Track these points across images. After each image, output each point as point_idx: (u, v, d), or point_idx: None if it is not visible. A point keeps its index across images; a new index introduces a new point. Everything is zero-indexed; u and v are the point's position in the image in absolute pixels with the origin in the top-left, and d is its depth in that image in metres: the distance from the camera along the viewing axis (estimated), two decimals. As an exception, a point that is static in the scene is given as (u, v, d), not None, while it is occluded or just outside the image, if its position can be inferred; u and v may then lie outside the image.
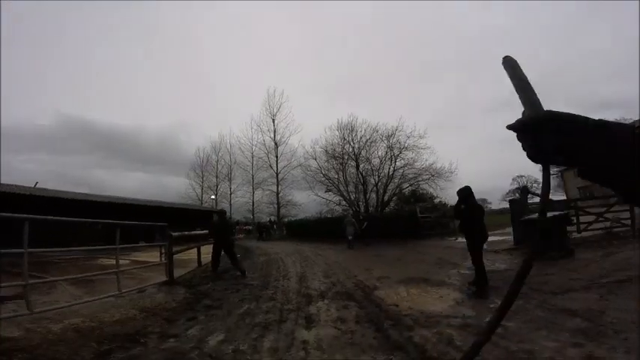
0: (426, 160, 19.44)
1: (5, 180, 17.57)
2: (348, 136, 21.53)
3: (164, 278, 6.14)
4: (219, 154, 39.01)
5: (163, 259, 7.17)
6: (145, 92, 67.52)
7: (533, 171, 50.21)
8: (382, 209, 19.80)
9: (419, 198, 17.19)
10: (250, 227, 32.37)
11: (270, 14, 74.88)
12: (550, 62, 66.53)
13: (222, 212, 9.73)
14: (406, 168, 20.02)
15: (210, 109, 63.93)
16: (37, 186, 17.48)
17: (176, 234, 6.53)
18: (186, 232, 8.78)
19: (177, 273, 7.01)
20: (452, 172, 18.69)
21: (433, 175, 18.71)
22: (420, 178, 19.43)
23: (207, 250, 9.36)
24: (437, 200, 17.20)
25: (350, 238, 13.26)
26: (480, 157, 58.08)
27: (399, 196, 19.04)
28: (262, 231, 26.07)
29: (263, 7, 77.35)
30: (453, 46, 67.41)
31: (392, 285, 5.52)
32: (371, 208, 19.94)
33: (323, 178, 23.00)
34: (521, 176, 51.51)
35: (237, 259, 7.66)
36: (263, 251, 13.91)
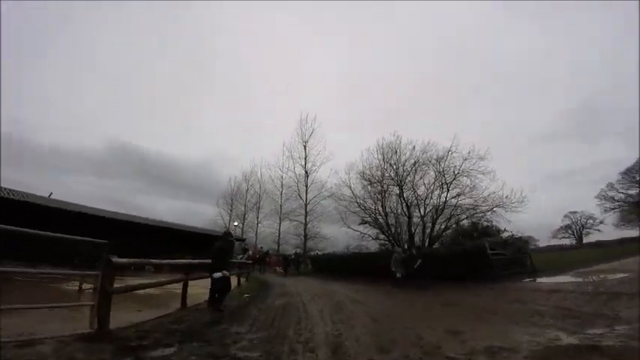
0: (486, 188, 15.87)
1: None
2: (391, 158, 18.66)
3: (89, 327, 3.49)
4: (250, 183, 38.25)
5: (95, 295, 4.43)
6: (191, 121, 71.08)
7: (587, 206, 43.85)
8: (430, 245, 16.13)
9: (483, 232, 13.57)
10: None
11: (310, 41, 77.63)
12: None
13: (226, 234, 7.17)
14: (461, 197, 16.52)
15: (248, 138, 65.17)
16: (51, 196, 16.47)
17: (123, 260, 3.88)
18: (154, 260, 6.12)
19: (137, 317, 4.38)
20: (521, 202, 14.90)
21: (498, 206, 15.01)
22: (479, 210, 15.77)
23: (202, 285, 6.76)
24: (506, 234, 13.44)
25: (398, 276, 10.31)
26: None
27: (457, 230, 15.38)
28: (288, 264, 23.16)
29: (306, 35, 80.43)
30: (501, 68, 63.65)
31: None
32: (417, 243, 16.36)
33: (358, 209, 19.92)
34: (575, 212, 45.26)
35: (225, 295, 6.41)
36: (281, 290, 10.92)
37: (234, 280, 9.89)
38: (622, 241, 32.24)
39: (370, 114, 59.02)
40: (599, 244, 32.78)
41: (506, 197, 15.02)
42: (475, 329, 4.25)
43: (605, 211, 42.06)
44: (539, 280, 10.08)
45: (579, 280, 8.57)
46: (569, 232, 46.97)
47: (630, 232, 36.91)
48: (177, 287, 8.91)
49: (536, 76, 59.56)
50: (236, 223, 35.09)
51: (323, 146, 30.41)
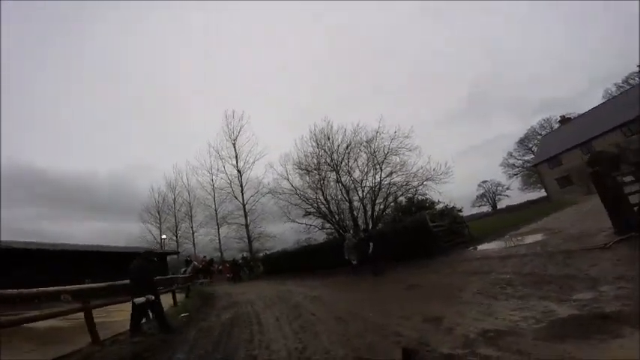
0: (414, 164, 16.87)
1: None
2: (324, 144, 18.46)
3: None
4: (176, 192, 34.72)
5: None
6: (94, 133, 61.12)
7: (496, 175, 51.59)
8: (374, 226, 16.57)
9: (420, 206, 14.32)
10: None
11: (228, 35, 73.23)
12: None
13: (146, 253, 6.35)
14: (394, 176, 17.28)
15: (167, 147, 58.86)
16: None
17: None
18: (51, 288, 4.65)
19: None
20: (446, 174, 16.21)
21: (428, 179, 16.08)
22: (411, 185, 16.72)
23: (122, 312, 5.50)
24: (440, 205, 14.42)
25: (354, 262, 10.16)
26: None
27: (396, 207, 15.98)
28: (237, 271, 21.62)
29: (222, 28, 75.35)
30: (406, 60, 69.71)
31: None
32: (362, 226, 16.64)
33: (299, 200, 19.40)
34: (486, 181, 52.67)
35: (164, 317, 5.76)
36: (229, 300, 9.83)
37: (168, 299, 8.51)
38: (530, 203, 37.72)
39: (298, 106, 58.80)
40: (509, 209, 36.88)
41: (434, 170, 16.18)
42: (454, 312, 3.97)
43: (510, 177, 49.91)
44: (481, 247, 10.57)
45: (521, 242, 8.80)
46: (485, 199, 53.42)
47: (534, 195, 44.20)
48: (103, 315, 7.33)
49: (430, 69, 67.31)
50: (164, 236, 31.64)
51: (254, 142, 29.05)
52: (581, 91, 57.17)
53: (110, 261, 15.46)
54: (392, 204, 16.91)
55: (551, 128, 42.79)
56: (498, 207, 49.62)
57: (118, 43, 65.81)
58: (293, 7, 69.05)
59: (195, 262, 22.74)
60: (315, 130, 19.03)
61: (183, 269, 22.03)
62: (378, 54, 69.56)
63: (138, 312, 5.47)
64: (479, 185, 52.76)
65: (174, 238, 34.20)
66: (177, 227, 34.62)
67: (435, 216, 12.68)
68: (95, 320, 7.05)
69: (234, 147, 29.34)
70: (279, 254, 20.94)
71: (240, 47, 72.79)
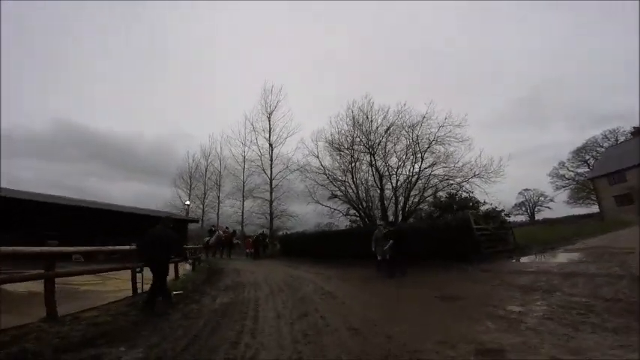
0: (461, 157, 14.68)
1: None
2: (362, 124, 16.71)
3: None
4: (209, 160, 34.84)
5: None
6: (144, 98, 63.88)
7: (538, 185, 46.62)
8: (405, 219, 14.85)
9: (462, 204, 12.34)
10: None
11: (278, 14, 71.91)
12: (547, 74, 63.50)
13: (166, 220, 5.68)
14: (435, 167, 15.24)
15: (209, 116, 59.91)
16: None
17: None
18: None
19: None
20: (497, 172, 13.90)
21: (476, 175, 13.91)
22: (454, 180, 14.61)
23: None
24: (485, 207, 12.34)
25: (379, 258, 8.59)
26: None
27: (435, 203, 14.07)
28: (258, 246, 20.23)
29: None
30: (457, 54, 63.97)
31: None
32: (391, 218, 15.02)
33: (327, 181, 18.07)
34: (528, 190, 47.97)
35: (155, 292, 5.08)
36: (234, 280, 8.86)
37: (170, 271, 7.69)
38: (578, 218, 33.93)
39: (341, 81, 56.45)
40: (549, 222, 34.11)
41: (484, 166, 13.95)
42: (520, 344, 2.62)
43: (557, 188, 44.87)
44: (529, 259, 8.89)
45: (584, 259, 7.22)
46: (523, 208, 49.16)
47: (580, 210, 39.78)
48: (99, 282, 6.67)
49: (488, 65, 60.83)
50: (188, 202, 31.96)
51: (290, 118, 27.87)
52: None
53: (128, 222, 15.33)
54: (429, 198, 14.98)
55: (617, 141, 37.52)
56: (536, 218, 46.06)
57: (169, 17, 66.94)
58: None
59: (221, 232, 22.25)
60: (353, 106, 17.30)
61: (207, 238, 21.79)
62: (429, 47, 64.46)
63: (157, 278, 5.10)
64: (519, 193, 48.23)
65: (201, 206, 34.68)
66: (205, 196, 34.97)
67: (479, 217, 10.76)
68: (84, 288, 6.47)
69: (269, 121, 28.41)
70: (298, 235, 19.91)
71: (291, 24, 70.95)
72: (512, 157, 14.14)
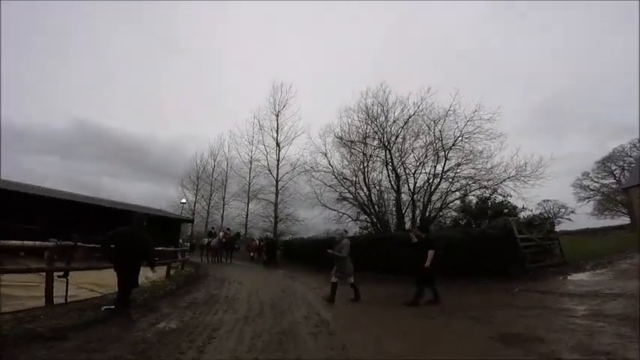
0: (492, 155, 12.50)
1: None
2: (377, 117, 14.74)
3: None
4: (216, 160, 33.75)
5: None
6: (158, 100, 64.33)
7: (560, 196, 43.25)
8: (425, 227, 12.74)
9: (497, 210, 10.18)
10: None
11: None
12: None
13: (138, 219, 4.85)
14: (461, 168, 13.10)
15: (221, 115, 59.48)
16: None
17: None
18: None
19: None
20: (537, 176, 11.63)
21: (512, 177, 11.71)
22: (483, 183, 12.43)
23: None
24: (524, 213, 10.10)
25: (334, 281, 6.26)
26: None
27: (464, 208, 11.87)
28: (269, 250, 17.01)
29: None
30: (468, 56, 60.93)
31: None
32: (408, 225, 12.95)
33: (335, 181, 16.16)
34: (548, 200, 44.49)
35: (129, 293, 4.44)
36: (212, 290, 7.02)
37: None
38: (609, 229, 31.06)
39: (354, 79, 54.57)
40: (567, 233, 31.57)
41: (522, 166, 11.73)
42: None
43: (580, 199, 41.54)
44: (582, 276, 6.89)
45: None
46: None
47: (603, 222, 36.58)
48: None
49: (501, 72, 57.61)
50: (184, 200, 30.92)
51: (298, 117, 26.27)
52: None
53: (118, 217, 13.88)
54: (455, 202, 12.83)
55: None
56: (556, 229, 42.39)
57: (181, 17, 67.43)
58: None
59: (222, 234, 20.59)
60: (366, 96, 15.32)
61: (207, 239, 20.23)
62: (442, 50, 61.88)
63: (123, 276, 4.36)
64: (538, 204, 44.75)
65: (207, 207, 33.51)
66: (211, 196, 33.80)
67: (520, 225, 8.63)
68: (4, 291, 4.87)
69: (277, 119, 26.90)
70: (303, 242, 17.97)
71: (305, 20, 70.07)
72: (555, 158, 11.83)
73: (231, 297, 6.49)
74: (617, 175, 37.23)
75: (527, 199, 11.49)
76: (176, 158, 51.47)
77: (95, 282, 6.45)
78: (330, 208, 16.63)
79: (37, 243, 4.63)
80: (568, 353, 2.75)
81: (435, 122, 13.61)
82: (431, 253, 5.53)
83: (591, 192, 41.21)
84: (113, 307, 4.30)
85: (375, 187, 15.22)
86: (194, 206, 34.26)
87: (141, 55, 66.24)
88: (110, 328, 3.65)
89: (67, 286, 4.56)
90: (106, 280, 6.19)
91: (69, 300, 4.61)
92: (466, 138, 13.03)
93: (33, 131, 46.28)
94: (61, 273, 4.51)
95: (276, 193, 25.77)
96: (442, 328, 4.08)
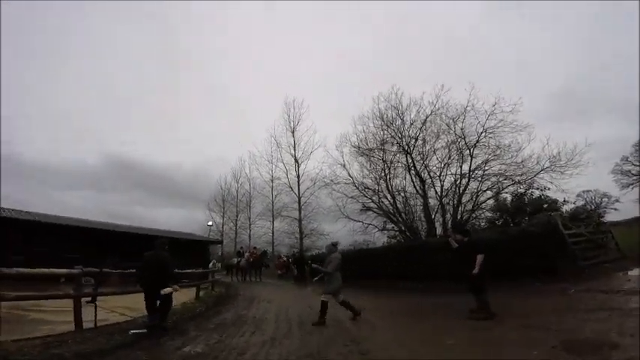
0: (522, 148, 11.74)
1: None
2: (393, 122, 14.41)
3: None
4: (239, 182, 34.64)
5: None
6: (184, 128, 67.78)
7: (600, 185, 39.69)
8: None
9: (536, 205, 9.42)
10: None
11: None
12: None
13: (160, 243, 5.32)
14: (488, 165, 12.39)
15: (237, 140, 61.35)
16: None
17: None
18: None
19: None
20: (575, 164, 10.71)
21: (546, 169, 10.88)
22: (514, 179, 11.63)
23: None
24: (567, 207, 9.26)
25: (324, 299, 5.47)
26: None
27: (499, 207, 11.14)
28: (298, 266, 16.78)
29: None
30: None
31: None
32: (439, 230, 12.33)
33: (356, 191, 15.82)
34: (588, 191, 40.87)
35: (167, 311, 5.04)
36: (240, 310, 6.88)
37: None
38: None
39: (364, 84, 54.37)
40: (616, 224, 28.55)
41: (556, 156, 10.90)
42: None
43: (623, 187, 38.09)
44: (637, 271, 6.11)
45: None
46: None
47: None
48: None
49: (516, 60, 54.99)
50: (210, 223, 31.65)
51: (313, 130, 26.40)
52: None
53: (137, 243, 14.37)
54: (487, 202, 12.10)
55: None
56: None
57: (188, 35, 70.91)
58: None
59: (248, 254, 20.69)
60: (378, 101, 15.03)
61: (236, 259, 20.42)
62: (452, 41, 60.54)
63: (149, 300, 4.79)
64: (578, 195, 41.22)
65: (234, 227, 34.19)
66: (237, 217, 34.49)
67: (565, 220, 7.88)
68: (35, 316, 5.10)
69: (293, 135, 27.21)
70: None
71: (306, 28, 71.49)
72: (591, 144, 10.88)
73: (259, 317, 6.30)
74: (659, 157, 34.27)
75: (566, 190, 10.64)
76: (202, 182, 53.29)
77: (128, 306, 6.55)
78: (354, 220, 16.23)
79: (59, 270, 4.79)
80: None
81: (454, 120, 13.14)
82: (480, 257, 4.85)
83: (634, 177, 37.88)
84: (145, 330, 4.28)
85: (399, 194, 14.75)
86: (222, 228, 35.10)
87: (154, 80, 70.08)
88: (136, 352, 3.59)
89: (95, 311, 4.65)
90: (139, 303, 6.29)
91: (99, 324, 4.67)
92: (490, 133, 12.42)
93: (68, 169, 50.14)
94: (89, 298, 4.60)
95: (299, 209, 25.74)
96: (497, 340, 3.62)
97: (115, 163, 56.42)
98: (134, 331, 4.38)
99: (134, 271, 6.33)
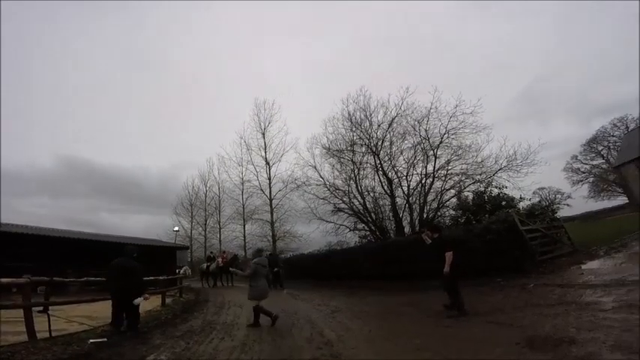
0: (481, 149, 12.62)
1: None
2: (362, 122, 14.79)
3: None
4: (208, 185, 33.51)
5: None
6: (145, 131, 64.48)
7: (555, 182, 43.72)
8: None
9: (495, 203, 10.08)
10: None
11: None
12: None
13: (129, 250, 5.34)
14: (451, 165, 13.14)
15: (205, 141, 59.56)
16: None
17: None
18: None
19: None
20: (529, 163, 11.70)
21: (504, 168, 11.76)
22: (476, 178, 12.46)
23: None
24: (523, 204, 10.02)
25: (253, 306, 5.68)
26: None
27: (461, 206, 11.78)
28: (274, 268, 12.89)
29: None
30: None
31: None
32: (407, 229, 12.83)
33: (328, 193, 16.05)
34: (543, 188, 44.74)
35: (137, 319, 5.08)
36: (210, 316, 6.71)
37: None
38: (609, 211, 31.17)
39: (334, 87, 55.22)
40: (568, 219, 31.70)
41: (512, 156, 11.82)
42: None
43: (574, 183, 41.93)
44: (596, 264, 6.70)
45: None
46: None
47: (600, 204, 36.92)
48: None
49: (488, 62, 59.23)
50: (176, 228, 30.65)
51: (285, 132, 26.28)
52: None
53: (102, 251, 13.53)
54: (451, 200, 12.80)
55: (627, 128, 34.99)
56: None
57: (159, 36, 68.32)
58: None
59: (220, 259, 20.08)
60: (347, 102, 15.36)
61: (205, 264, 19.75)
62: (420, 46, 63.48)
63: (116, 307, 4.87)
64: (534, 192, 44.92)
65: (204, 232, 33.01)
66: (206, 222, 33.35)
67: (522, 216, 8.56)
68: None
69: (264, 137, 26.88)
70: (300, 257, 17.65)
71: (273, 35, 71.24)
72: (544, 144, 11.94)
73: (229, 322, 6.20)
74: (604, 155, 37.97)
75: (522, 188, 11.56)
76: (169, 187, 51.24)
77: (88, 315, 6.20)
78: (327, 221, 16.46)
79: (5, 280, 4.42)
80: (609, 353, 2.53)
81: (419, 122, 13.78)
82: (449, 255, 4.95)
83: (583, 174, 41.60)
84: (105, 339, 4.08)
85: (368, 194, 15.18)
86: (190, 233, 33.85)
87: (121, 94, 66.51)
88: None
89: (49, 321, 4.37)
90: (98, 312, 5.97)
91: (56, 334, 4.39)
92: (452, 134, 13.19)
93: (22, 173, 45.82)
94: (41, 308, 4.31)
95: (271, 212, 25.42)
96: (461, 336, 3.81)
97: (71, 165, 52.44)
98: (93, 341, 4.14)
99: (96, 279, 6.08)
